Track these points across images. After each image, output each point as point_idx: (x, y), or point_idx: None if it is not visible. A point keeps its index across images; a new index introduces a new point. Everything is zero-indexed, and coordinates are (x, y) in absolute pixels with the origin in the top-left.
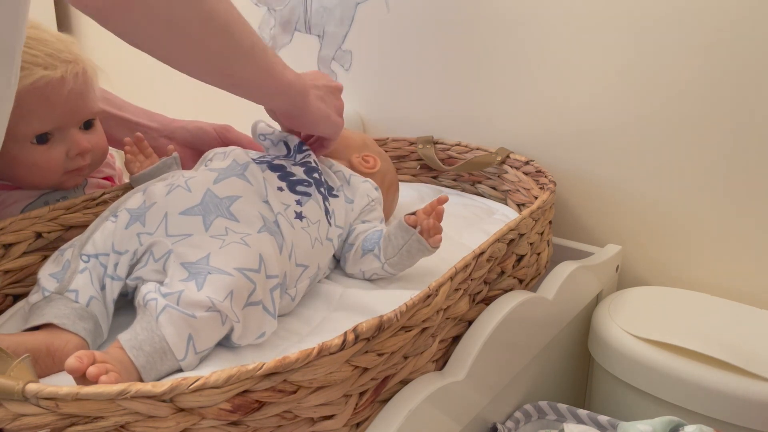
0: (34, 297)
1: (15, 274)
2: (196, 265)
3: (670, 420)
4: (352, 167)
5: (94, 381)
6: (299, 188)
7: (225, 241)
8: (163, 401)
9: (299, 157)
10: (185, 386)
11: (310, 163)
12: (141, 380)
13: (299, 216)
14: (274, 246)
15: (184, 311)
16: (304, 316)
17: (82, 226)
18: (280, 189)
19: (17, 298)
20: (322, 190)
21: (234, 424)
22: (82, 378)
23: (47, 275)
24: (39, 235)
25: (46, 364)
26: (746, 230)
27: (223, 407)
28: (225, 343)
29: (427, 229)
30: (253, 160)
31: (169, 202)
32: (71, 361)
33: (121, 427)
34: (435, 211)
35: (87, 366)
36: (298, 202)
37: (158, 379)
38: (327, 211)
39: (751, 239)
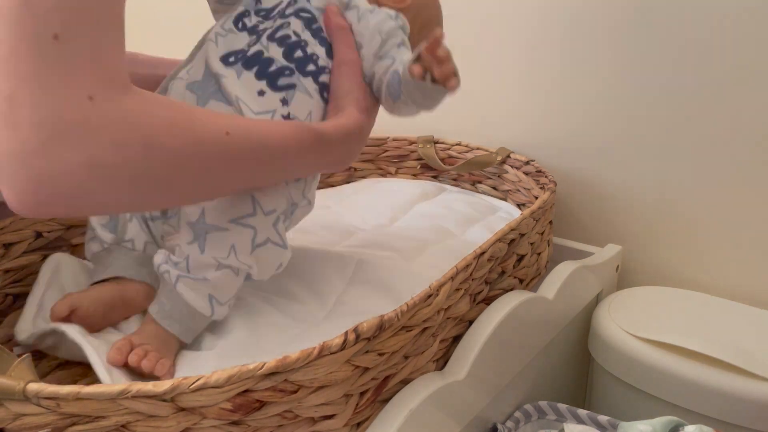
0: (93, 246)
1: (15, 273)
2: (196, 225)
3: (670, 420)
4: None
5: (137, 366)
6: (281, 81)
7: None
8: (164, 401)
9: (274, 19)
10: (186, 386)
11: (289, 37)
12: (181, 344)
13: (287, 118)
14: None
15: (196, 277)
16: (317, 292)
17: (83, 225)
18: (261, 93)
19: (17, 297)
20: (309, 68)
21: (235, 423)
22: (126, 367)
23: (101, 225)
24: (39, 235)
25: (121, 313)
26: (746, 230)
27: (223, 407)
28: (248, 283)
29: (441, 78)
30: (224, 58)
31: None
32: (112, 355)
33: (122, 426)
34: (436, 58)
35: (127, 355)
36: (284, 101)
37: (194, 337)
38: (321, 87)
39: (752, 239)
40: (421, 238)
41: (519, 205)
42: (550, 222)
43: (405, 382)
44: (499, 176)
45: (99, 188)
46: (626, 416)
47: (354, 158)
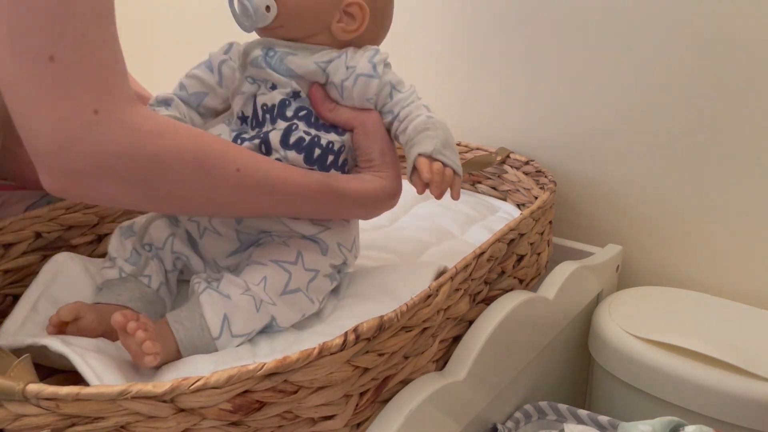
0: (110, 272)
1: (15, 274)
2: (241, 263)
3: (670, 420)
4: (332, 38)
5: (133, 333)
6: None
7: (266, 242)
8: (164, 401)
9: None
10: (186, 386)
11: (303, 139)
12: (179, 353)
13: None
14: (315, 248)
15: (220, 292)
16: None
17: (83, 226)
18: None
19: (17, 298)
20: (329, 160)
21: (234, 424)
22: (124, 332)
23: (123, 259)
24: (39, 235)
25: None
26: (746, 230)
27: (223, 407)
28: (269, 330)
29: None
30: None
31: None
32: (116, 316)
33: (122, 427)
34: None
35: (129, 321)
36: None
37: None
38: (344, 165)
39: (752, 239)
40: (421, 238)
41: (519, 205)
42: (550, 222)
43: (405, 382)
44: (498, 176)
45: (109, 186)
46: (626, 416)
47: (380, 213)
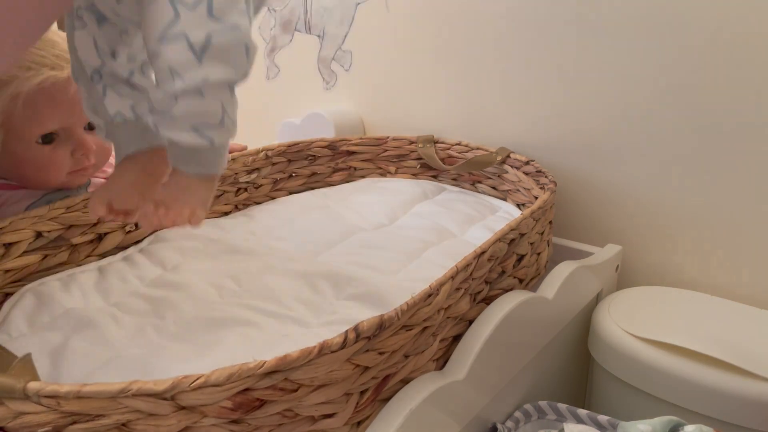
0: (99, 132)
1: (15, 273)
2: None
3: (670, 420)
4: None
5: (170, 225)
6: None
7: None
8: (165, 399)
9: None
10: (186, 384)
11: None
12: (211, 178)
13: None
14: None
15: (164, 111)
16: (309, 303)
17: (83, 225)
18: None
19: None
20: None
21: (235, 422)
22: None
23: (90, 113)
24: (39, 235)
25: (153, 183)
26: (746, 230)
27: (224, 405)
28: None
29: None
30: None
31: None
32: (143, 223)
33: (123, 425)
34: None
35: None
36: None
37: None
38: None
39: (752, 239)
40: (421, 237)
41: (519, 205)
42: (550, 222)
43: (405, 381)
44: (499, 176)
45: None
46: (626, 416)
47: None
